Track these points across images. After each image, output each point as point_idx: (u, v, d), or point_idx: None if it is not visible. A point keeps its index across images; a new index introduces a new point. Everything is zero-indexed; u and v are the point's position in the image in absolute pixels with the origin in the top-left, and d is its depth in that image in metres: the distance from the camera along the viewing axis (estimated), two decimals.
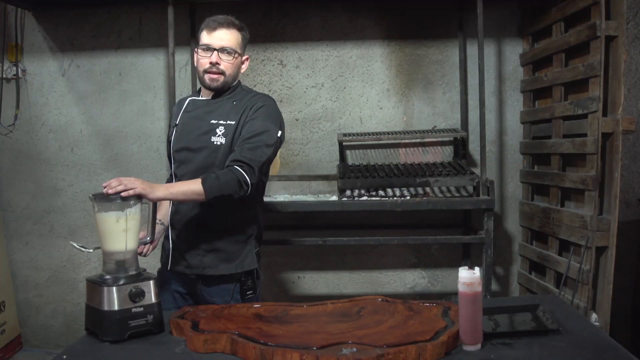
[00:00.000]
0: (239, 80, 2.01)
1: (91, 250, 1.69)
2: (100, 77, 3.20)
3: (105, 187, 1.58)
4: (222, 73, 1.89)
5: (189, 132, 1.93)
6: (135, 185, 1.59)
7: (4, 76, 3.19)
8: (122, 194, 1.57)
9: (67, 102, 3.21)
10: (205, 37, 1.89)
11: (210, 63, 1.88)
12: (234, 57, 1.90)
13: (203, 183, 1.73)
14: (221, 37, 1.88)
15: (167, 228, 1.98)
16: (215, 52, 1.87)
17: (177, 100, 2.51)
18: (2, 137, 3.24)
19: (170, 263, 1.95)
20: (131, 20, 3.17)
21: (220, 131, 1.88)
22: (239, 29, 1.93)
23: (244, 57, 1.98)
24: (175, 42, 2.71)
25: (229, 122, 1.89)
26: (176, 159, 1.96)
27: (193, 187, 1.74)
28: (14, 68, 3.18)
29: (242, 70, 1.99)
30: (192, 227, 1.91)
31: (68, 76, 3.20)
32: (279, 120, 1.94)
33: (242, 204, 1.87)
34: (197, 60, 1.92)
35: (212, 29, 1.88)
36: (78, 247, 1.68)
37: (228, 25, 1.89)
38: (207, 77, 1.90)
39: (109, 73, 3.19)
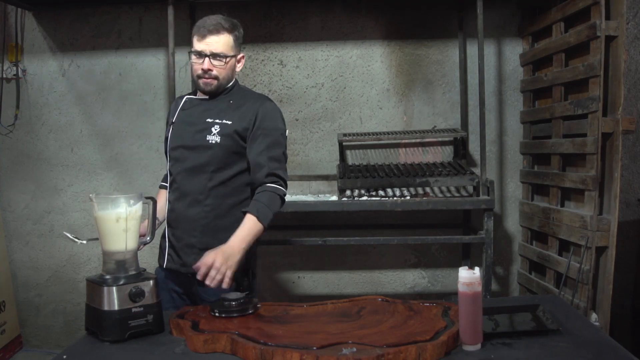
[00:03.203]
0: (236, 79, 2.02)
1: (84, 242, 1.71)
2: (100, 77, 3.20)
3: (199, 274, 1.66)
4: (215, 78, 1.91)
5: (185, 130, 1.95)
6: (227, 273, 1.68)
7: (4, 76, 3.19)
8: (224, 285, 1.66)
9: (67, 102, 3.22)
10: (197, 43, 1.89)
11: (203, 70, 1.89)
12: (225, 61, 1.89)
13: (258, 218, 1.78)
14: (211, 43, 1.87)
15: (165, 227, 1.99)
16: (207, 58, 1.88)
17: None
18: (2, 137, 3.24)
19: (166, 261, 1.97)
20: (131, 20, 3.17)
21: (216, 130, 1.89)
22: (230, 31, 1.90)
23: (238, 56, 1.97)
24: (175, 42, 2.71)
25: (224, 121, 1.90)
26: (172, 156, 1.98)
27: (252, 227, 1.78)
28: (14, 68, 3.18)
29: (237, 70, 1.99)
30: (187, 226, 1.91)
31: (68, 76, 3.20)
32: (282, 120, 1.97)
33: (238, 204, 1.91)
34: (191, 64, 1.94)
35: (202, 35, 1.88)
36: (72, 237, 1.71)
37: (218, 30, 1.88)
38: (201, 81, 1.92)
39: (109, 73, 3.20)
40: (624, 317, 2.88)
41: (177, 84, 2.75)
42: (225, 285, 1.66)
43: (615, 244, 2.32)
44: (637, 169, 3.05)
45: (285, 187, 1.89)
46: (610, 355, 1.33)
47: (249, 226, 1.78)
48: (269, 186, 1.84)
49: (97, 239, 1.60)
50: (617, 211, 2.31)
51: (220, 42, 1.88)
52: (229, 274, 1.68)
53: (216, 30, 1.87)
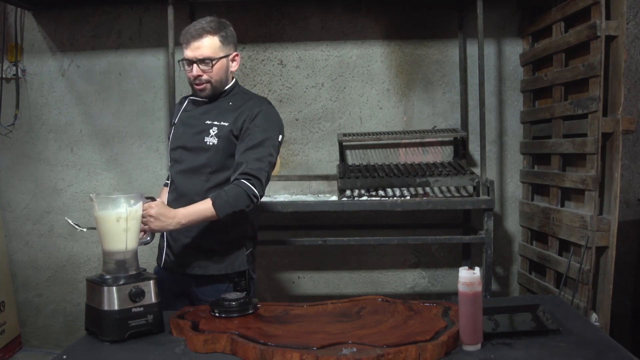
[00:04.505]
0: (236, 80, 2.01)
1: (84, 230, 1.73)
2: (100, 77, 3.20)
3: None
4: (207, 82, 1.90)
5: (185, 131, 1.95)
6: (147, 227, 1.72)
7: (4, 76, 3.19)
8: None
9: (67, 102, 3.21)
10: (184, 51, 1.90)
11: (193, 76, 1.89)
12: (212, 64, 1.88)
13: (213, 204, 1.76)
14: (196, 48, 1.86)
15: None
16: (194, 65, 1.88)
17: (178, 98, 2.53)
18: (2, 137, 3.24)
19: (163, 261, 1.98)
20: (131, 20, 3.17)
21: (214, 132, 1.89)
22: (214, 32, 1.88)
23: (231, 55, 1.95)
24: (175, 42, 2.70)
25: (222, 123, 1.89)
26: (172, 157, 1.99)
27: (204, 212, 1.77)
28: (14, 68, 3.18)
29: (232, 69, 1.97)
30: (184, 227, 1.91)
31: (68, 76, 3.20)
32: (278, 124, 1.94)
33: None
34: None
35: (187, 42, 1.88)
36: (72, 224, 1.71)
37: (200, 35, 1.86)
38: (194, 87, 1.93)
39: (109, 73, 3.19)
40: (624, 317, 2.88)
41: (177, 84, 2.75)
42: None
43: (615, 244, 2.31)
44: (637, 169, 3.05)
45: (260, 189, 1.83)
46: (610, 355, 1.33)
47: (202, 209, 1.77)
48: (241, 182, 1.80)
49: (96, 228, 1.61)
50: (617, 211, 2.31)
51: (203, 46, 1.86)
52: (147, 228, 1.73)
53: (198, 35, 1.86)
